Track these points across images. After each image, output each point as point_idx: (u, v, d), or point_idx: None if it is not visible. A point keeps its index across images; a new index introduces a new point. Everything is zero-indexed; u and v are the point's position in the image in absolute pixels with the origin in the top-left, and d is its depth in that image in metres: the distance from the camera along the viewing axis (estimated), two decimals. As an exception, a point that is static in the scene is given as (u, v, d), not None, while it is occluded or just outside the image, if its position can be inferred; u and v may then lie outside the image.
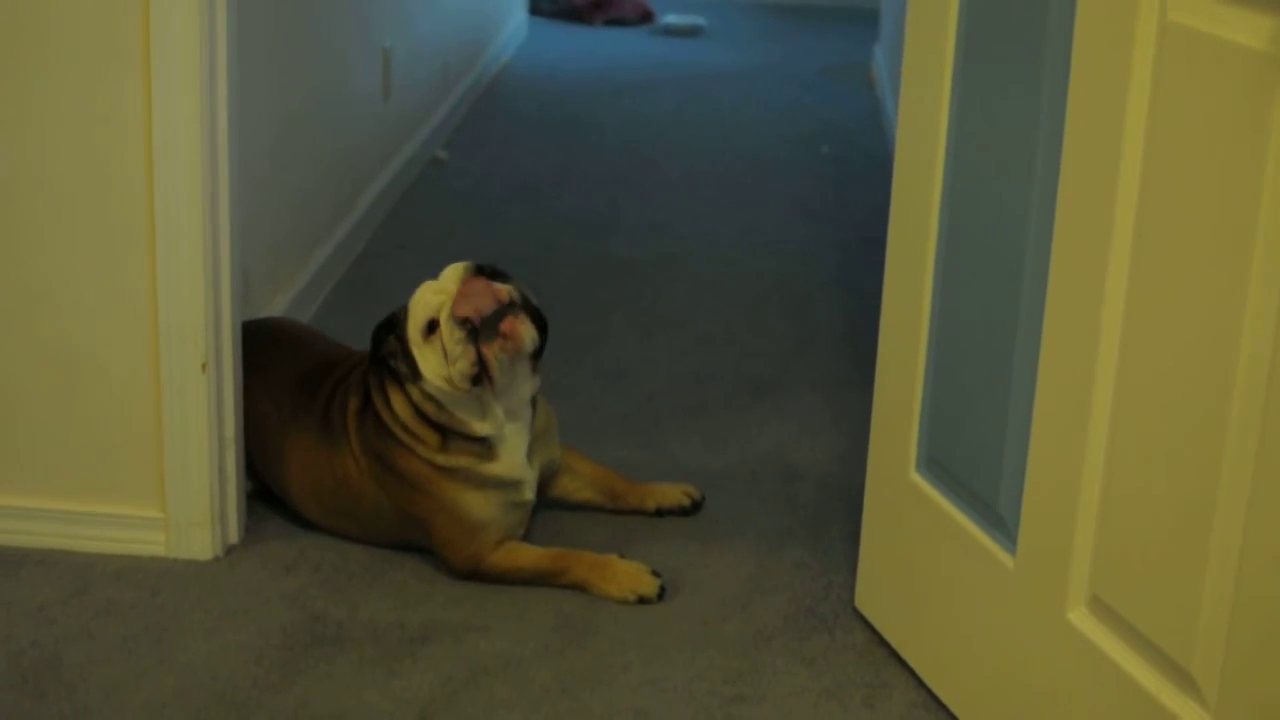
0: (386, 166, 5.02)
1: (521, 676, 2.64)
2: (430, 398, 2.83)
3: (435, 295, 2.79)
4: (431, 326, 2.78)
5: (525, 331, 2.75)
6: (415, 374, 2.81)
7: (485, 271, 2.81)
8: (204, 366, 2.86)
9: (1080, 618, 2.19)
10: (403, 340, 2.82)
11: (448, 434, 2.86)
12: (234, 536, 2.99)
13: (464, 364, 2.74)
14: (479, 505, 2.88)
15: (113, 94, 2.77)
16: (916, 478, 2.60)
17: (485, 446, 2.86)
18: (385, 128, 5.03)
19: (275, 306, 3.79)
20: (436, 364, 2.78)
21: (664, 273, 4.55)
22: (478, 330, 2.73)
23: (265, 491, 3.11)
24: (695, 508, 3.17)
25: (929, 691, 2.59)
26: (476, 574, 2.90)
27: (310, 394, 3.03)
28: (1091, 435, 2.11)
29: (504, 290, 2.75)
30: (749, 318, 4.23)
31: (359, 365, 3.01)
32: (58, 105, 2.78)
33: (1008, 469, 2.34)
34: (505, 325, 2.73)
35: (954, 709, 2.53)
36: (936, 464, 2.56)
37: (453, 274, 2.81)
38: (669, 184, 5.42)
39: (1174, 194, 1.93)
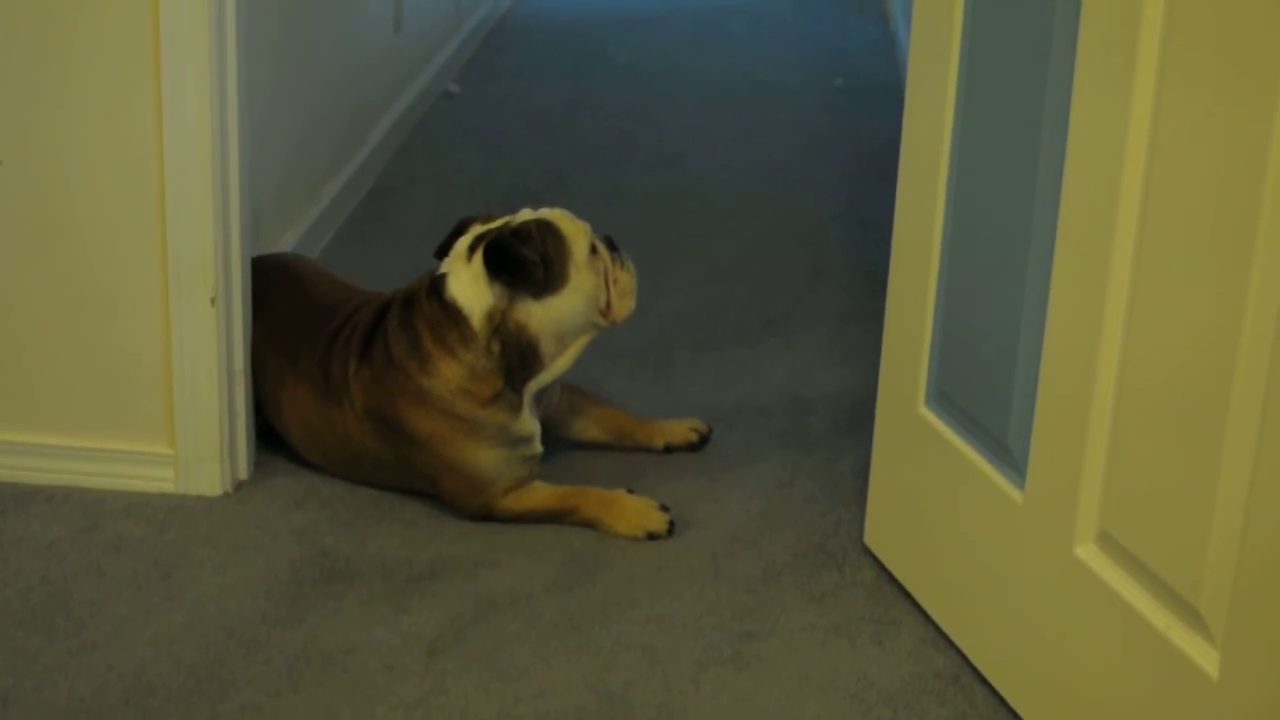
0: (398, 100, 5.01)
1: (530, 612, 2.64)
2: (491, 353, 2.80)
3: (573, 223, 2.84)
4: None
5: None
6: (557, 284, 2.80)
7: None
8: (213, 301, 2.85)
9: (1089, 554, 2.18)
10: (556, 249, 2.82)
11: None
12: (243, 472, 2.99)
13: (632, 299, 2.90)
14: (489, 462, 2.86)
15: (121, 26, 2.74)
16: (926, 412, 2.59)
17: (510, 404, 2.86)
18: (396, 61, 5.01)
19: (285, 241, 3.78)
20: (594, 286, 2.85)
21: (675, 205, 4.54)
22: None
23: (271, 429, 3.10)
24: (703, 443, 3.17)
25: (937, 628, 2.59)
26: (487, 519, 2.89)
27: (311, 341, 2.98)
28: (1101, 371, 2.10)
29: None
30: (760, 251, 4.21)
31: (355, 316, 2.96)
32: (68, 41, 2.76)
33: (1017, 404, 2.33)
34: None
35: (962, 646, 2.53)
36: (946, 398, 2.55)
37: (560, 215, 2.87)
38: (681, 117, 5.39)
39: (1188, 128, 1.92)
